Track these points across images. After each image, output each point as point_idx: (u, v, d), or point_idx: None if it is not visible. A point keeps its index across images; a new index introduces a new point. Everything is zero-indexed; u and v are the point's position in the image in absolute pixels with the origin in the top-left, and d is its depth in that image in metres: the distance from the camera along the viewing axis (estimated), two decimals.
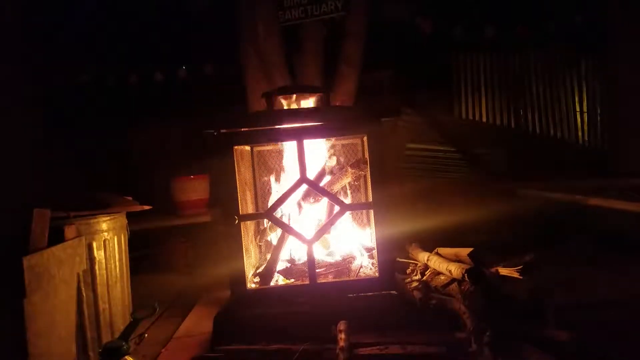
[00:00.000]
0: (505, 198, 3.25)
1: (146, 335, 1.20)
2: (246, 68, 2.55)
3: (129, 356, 1.04)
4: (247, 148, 1.94)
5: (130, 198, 1.86)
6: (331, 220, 1.54)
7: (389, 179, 1.63)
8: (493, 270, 1.64)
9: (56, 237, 1.38)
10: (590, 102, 4.14)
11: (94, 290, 1.56)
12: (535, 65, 4.12)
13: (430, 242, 2.14)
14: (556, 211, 3.01)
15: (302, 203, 1.68)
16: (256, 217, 1.73)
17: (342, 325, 1.33)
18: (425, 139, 3.98)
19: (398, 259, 1.97)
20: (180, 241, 2.80)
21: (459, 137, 4.00)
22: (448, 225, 2.74)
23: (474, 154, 3.97)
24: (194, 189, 2.79)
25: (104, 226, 1.63)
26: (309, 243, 1.50)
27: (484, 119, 4.35)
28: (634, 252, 2.35)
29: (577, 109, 4.15)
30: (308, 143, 1.55)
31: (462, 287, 1.50)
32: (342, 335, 1.29)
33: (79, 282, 1.47)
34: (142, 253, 2.46)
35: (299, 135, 1.50)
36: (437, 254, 1.78)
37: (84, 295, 1.51)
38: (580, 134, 4.19)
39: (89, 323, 1.53)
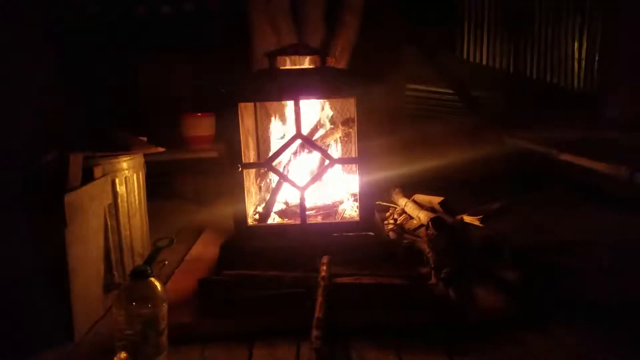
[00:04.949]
0: (494, 143, 3.46)
1: (167, 262, 1.49)
2: (251, 11, 2.64)
3: (152, 278, 1.31)
4: None
5: (145, 139, 2.08)
6: (321, 171, 1.78)
7: (377, 133, 1.82)
8: (459, 217, 1.90)
9: (86, 176, 1.62)
10: (590, 47, 4.14)
11: (117, 220, 1.83)
12: (540, 4, 4.08)
13: (420, 183, 2.38)
14: (536, 158, 3.24)
15: (297, 155, 1.91)
16: (257, 166, 1.97)
17: (325, 259, 1.61)
18: (424, 79, 4.07)
19: (380, 203, 2.23)
20: (189, 172, 3.06)
21: (458, 78, 4.09)
22: (438, 166, 2.99)
23: (471, 96, 4.09)
24: (201, 126, 2.99)
25: (125, 165, 1.86)
26: (302, 190, 1.75)
27: (484, 61, 4.41)
28: (602, 202, 2.60)
29: (576, 55, 4.18)
30: (304, 101, 1.74)
31: (428, 231, 1.77)
32: (324, 267, 1.57)
33: (105, 213, 1.74)
34: (157, 180, 2.66)
35: (296, 94, 1.69)
36: (414, 200, 2.04)
37: (109, 224, 1.78)
38: (576, 80, 4.25)
39: (114, 247, 1.81)
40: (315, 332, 1.29)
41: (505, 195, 2.73)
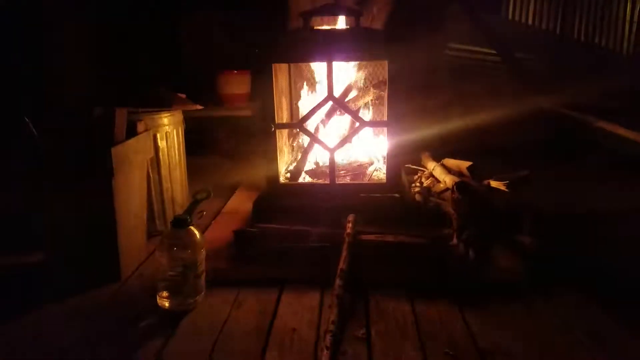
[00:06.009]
0: (533, 108, 3.38)
1: (204, 213, 1.61)
2: None
3: (192, 227, 1.44)
4: None
5: (184, 96, 2.18)
6: (351, 134, 1.83)
7: (410, 96, 1.84)
8: (485, 182, 1.93)
9: (130, 130, 1.74)
10: None
11: (159, 173, 1.97)
12: None
13: (452, 146, 2.39)
14: (576, 125, 3.15)
15: (329, 117, 1.96)
16: (289, 126, 2.04)
17: (350, 217, 1.70)
18: (466, 39, 3.97)
19: (409, 166, 2.27)
20: (225, 129, 3.17)
21: (501, 39, 3.96)
22: (474, 130, 2.98)
23: (515, 58, 3.96)
24: (236, 83, 3.06)
25: (166, 121, 1.98)
26: (331, 151, 1.82)
27: (530, 22, 4.25)
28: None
29: (628, 17, 3.98)
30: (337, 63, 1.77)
31: (453, 195, 1.81)
32: (350, 225, 1.66)
33: (148, 166, 1.87)
34: (195, 137, 2.77)
35: (328, 56, 1.72)
36: (442, 164, 2.07)
37: (152, 176, 1.92)
38: (626, 44, 4.06)
39: (156, 198, 1.96)
40: (338, 282, 1.39)
41: (537, 164, 2.71)
